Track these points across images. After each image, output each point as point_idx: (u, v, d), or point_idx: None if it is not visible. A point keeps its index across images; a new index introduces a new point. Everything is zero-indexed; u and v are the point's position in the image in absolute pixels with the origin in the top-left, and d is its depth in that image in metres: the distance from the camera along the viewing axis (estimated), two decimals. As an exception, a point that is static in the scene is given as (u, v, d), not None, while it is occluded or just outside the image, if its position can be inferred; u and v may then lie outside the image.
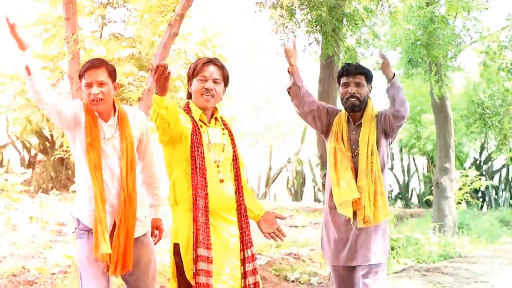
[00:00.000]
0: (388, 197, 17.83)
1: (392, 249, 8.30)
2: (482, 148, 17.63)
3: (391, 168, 18.40)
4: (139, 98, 6.72)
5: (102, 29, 15.27)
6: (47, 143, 17.32)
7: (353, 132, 4.21)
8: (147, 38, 13.02)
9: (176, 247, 3.50)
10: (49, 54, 15.74)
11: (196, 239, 3.42)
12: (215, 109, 3.72)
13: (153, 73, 3.21)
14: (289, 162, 19.84)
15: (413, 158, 18.74)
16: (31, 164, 17.50)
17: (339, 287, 4.38)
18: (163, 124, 3.35)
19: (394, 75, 4.18)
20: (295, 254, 8.07)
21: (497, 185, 17.42)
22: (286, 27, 7.12)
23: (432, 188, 11.51)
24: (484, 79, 14.03)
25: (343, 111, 4.31)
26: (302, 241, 9.49)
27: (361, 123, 4.20)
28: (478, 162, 17.62)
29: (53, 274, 6.75)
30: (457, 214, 11.15)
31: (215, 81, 3.60)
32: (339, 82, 4.28)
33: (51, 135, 16.93)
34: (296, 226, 11.56)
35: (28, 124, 16.71)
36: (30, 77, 3.50)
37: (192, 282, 3.41)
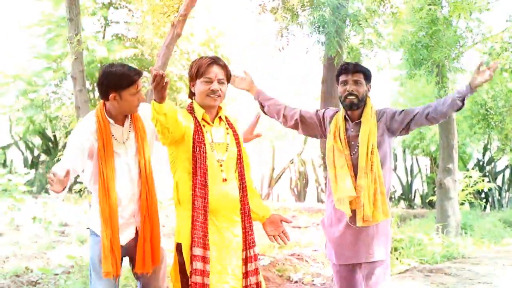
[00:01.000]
0: (391, 197, 17.73)
1: (395, 249, 8.28)
2: (485, 149, 17.59)
3: (394, 169, 18.39)
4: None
5: (104, 29, 15.32)
6: (50, 143, 17.35)
7: (352, 130, 4.19)
8: (149, 38, 13.05)
9: (179, 247, 3.53)
10: (53, 55, 15.77)
11: (192, 239, 3.45)
12: (220, 108, 3.72)
13: (151, 81, 3.24)
14: (292, 162, 19.83)
15: (416, 159, 18.71)
16: (34, 165, 17.52)
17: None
18: (163, 129, 3.39)
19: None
20: (298, 255, 8.06)
21: (500, 186, 17.39)
22: (289, 28, 7.11)
23: (435, 189, 11.49)
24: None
25: (342, 110, 4.31)
26: (305, 242, 9.48)
27: (360, 121, 4.19)
28: (481, 163, 17.59)
29: (56, 274, 6.76)
30: (460, 215, 11.13)
31: (219, 82, 3.62)
32: (337, 80, 4.29)
33: (54, 136, 16.97)
34: (299, 227, 11.56)
35: (31, 125, 16.75)
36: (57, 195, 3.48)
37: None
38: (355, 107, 4.18)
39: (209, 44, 16.50)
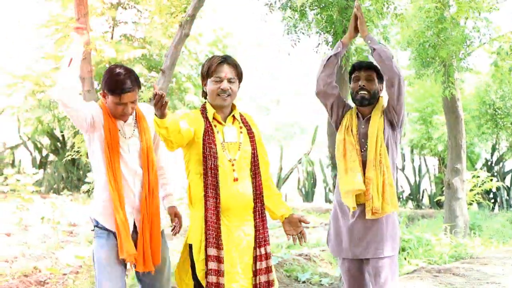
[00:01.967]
0: (399, 197, 17.71)
1: (403, 250, 8.26)
2: (494, 149, 17.55)
3: (402, 169, 18.36)
4: (150, 99, 6.74)
5: (113, 30, 15.33)
6: (58, 143, 17.40)
7: (362, 126, 4.22)
8: (157, 39, 13.05)
9: (190, 248, 3.54)
10: (61, 55, 15.77)
11: (206, 239, 3.46)
12: (234, 106, 3.73)
13: (153, 97, 3.30)
14: (300, 162, 19.81)
15: (424, 159, 18.68)
16: (42, 165, 17.59)
17: (349, 286, 4.37)
18: (166, 140, 3.44)
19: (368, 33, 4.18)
20: (306, 255, 8.05)
21: (509, 186, 17.34)
22: (297, 27, 7.10)
23: (443, 189, 11.47)
24: (496, 80, 13.96)
25: (354, 107, 4.33)
26: (313, 242, 9.48)
27: (370, 117, 4.21)
28: (489, 163, 17.55)
29: (65, 274, 6.78)
30: (469, 215, 11.09)
31: (230, 81, 3.62)
32: (350, 79, 4.31)
33: (63, 136, 17.00)
34: (307, 227, 11.55)
35: (39, 125, 16.77)
36: (68, 68, 3.54)
37: (203, 282, 3.46)
38: (365, 102, 4.20)
39: (217, 44, 16.51)
